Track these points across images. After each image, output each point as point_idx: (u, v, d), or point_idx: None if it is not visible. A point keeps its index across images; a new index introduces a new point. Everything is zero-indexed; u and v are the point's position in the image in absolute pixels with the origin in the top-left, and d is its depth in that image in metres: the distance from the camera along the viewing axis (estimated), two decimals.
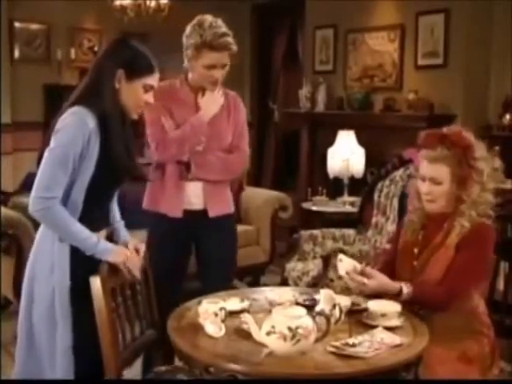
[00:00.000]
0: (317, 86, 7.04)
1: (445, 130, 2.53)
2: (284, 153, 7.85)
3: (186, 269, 3.18)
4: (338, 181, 5.80)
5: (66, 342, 2.35)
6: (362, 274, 2.40)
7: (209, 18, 2.96)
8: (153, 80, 2.45)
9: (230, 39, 2.94)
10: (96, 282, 2.29)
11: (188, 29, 2.98)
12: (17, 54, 7.43)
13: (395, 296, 2.38)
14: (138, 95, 2.42)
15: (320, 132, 7.01)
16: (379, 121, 6.40)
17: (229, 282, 3.18)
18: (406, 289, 2.38)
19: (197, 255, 3.19)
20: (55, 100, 7.62)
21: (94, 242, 2.35)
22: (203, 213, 3.06)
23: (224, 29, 2.94)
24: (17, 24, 7.39)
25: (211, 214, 3.06)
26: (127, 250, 2.45)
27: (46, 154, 2.32)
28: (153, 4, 6.61)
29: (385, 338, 2.13)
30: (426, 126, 2.52)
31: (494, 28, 5.91)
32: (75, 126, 2.30)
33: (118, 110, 2.40)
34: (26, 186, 5.15)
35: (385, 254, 2.73)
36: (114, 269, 2.38)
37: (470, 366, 2.40)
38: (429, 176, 2.50)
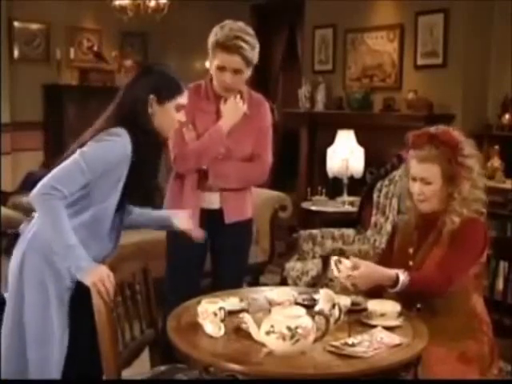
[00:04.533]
0: (316, 85, 7.03)
1: (432, 129, 2.53)
2: (283, 152, 7.83)
3: (203, 266, 3.19)
4: (337, 180, 5.80)
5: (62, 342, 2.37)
6: (354, 268, 2.36)
7: (233, 22, 2.93)
8: (183, 99, 2.53)
9: (242, 43, 2.88)
10: None
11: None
12: (16, 53, 7.42)
13: (392, 285, 2.34)
14: (171, 116, 2.51)
15: (319, 132, 7.00)
16: (378, 120, 6.40)
17: (240, 280, 3.21)
18: (403, 275, 2.33)
19: (211, 253, 3.19)
20: (54, 100, 7.63)
21: (78, 253, 2.30)
22: (220, 213, 3.05)
23: (240, 33, 2.89)
24: (16, 23, 7.38)
25: (227, 220, 3.05)
26: (104, 271, 2.31)
27: (76, 153, 2.35)
28: (152, 4, 6.61)
29: (384, 338, 2.13)
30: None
31: (494, 28, 5.91)
32: (119, 146, 2.37)
33: (153, 135, 2.48)
34: (26, 185, 5.15)
35: (380, 254, 2.72)
36: (112, 269, 2.38)
37: (469, 365, 2.40)
38: (419, 176, 2.50)
